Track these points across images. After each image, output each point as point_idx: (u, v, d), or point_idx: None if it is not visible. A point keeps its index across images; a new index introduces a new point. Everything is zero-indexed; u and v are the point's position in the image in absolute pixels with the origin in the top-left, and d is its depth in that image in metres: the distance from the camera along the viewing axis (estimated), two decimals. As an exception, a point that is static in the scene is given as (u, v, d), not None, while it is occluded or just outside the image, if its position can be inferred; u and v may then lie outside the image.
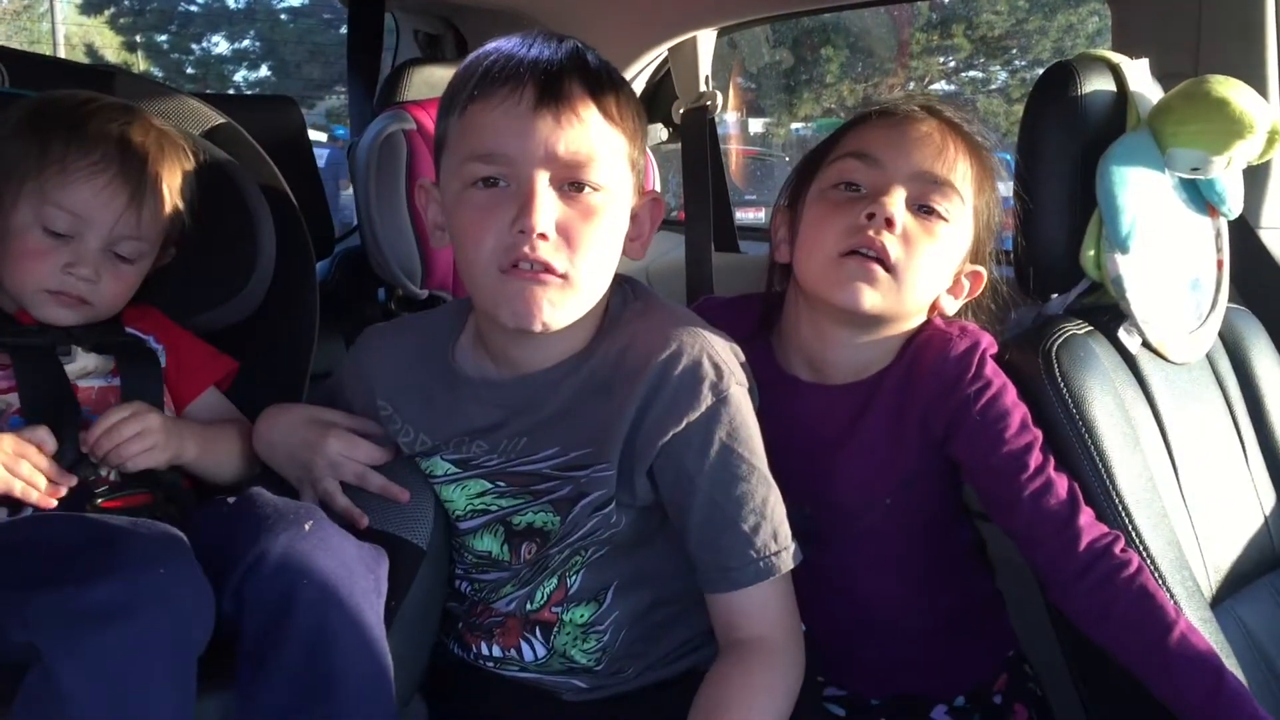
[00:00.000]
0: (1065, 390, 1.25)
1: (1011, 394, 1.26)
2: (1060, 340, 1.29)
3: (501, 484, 1.20)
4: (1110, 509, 1.23)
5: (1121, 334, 1.35)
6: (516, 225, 1.08)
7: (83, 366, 1.32)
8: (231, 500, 1.21)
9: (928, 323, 1.32)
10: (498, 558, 1.23)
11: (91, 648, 0.96)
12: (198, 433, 1.34)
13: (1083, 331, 1.32)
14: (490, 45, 1.14)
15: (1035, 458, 1.22)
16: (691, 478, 1.13)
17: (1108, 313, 1.37)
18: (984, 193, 1.30)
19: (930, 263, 1.25)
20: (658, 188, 2.05)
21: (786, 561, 1.15)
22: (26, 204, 1.29)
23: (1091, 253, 1.34)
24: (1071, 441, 1.24)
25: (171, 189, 1.36)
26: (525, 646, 1.24)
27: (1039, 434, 1.24)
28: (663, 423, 1.12)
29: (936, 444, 1.27)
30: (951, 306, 1.33)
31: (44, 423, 1.23)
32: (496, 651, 1.25)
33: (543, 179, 1.08)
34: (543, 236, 1.08)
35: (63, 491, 1.21)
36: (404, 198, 1.96)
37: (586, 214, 1.11)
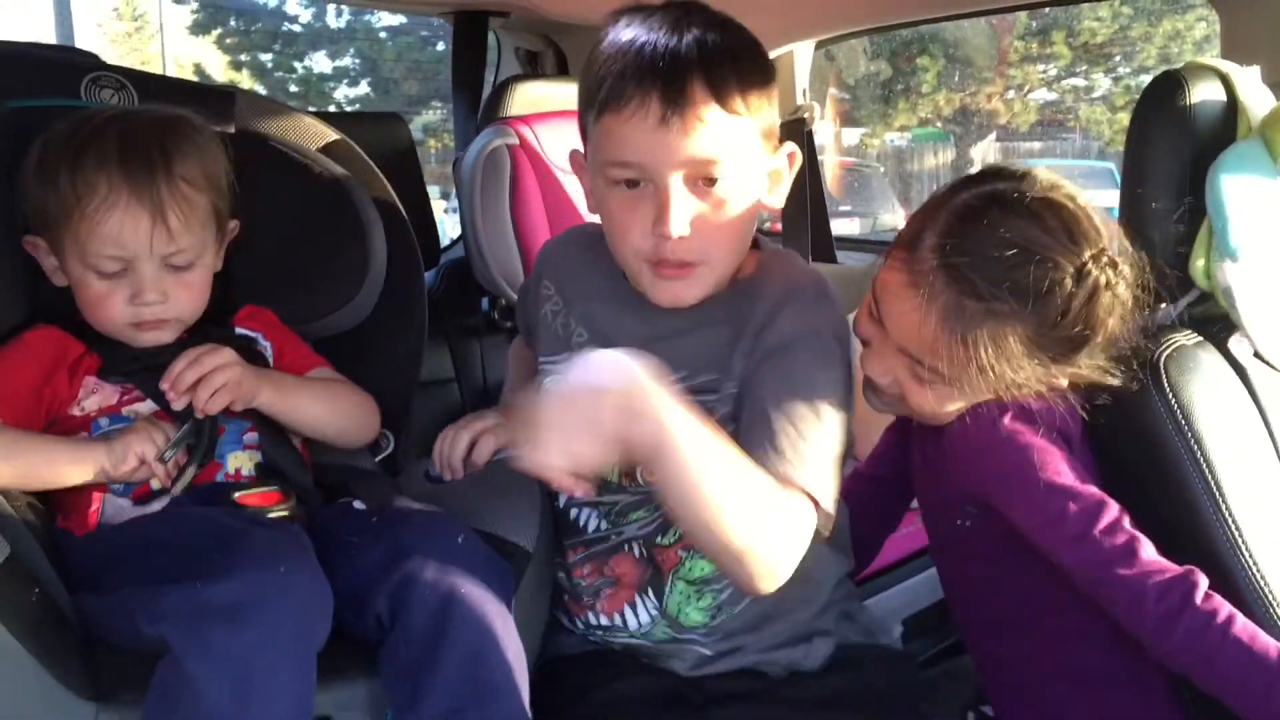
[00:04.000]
0: (1174, 402, 1.24)
1: (1024, 458, 1.20)
2: (1169, 351, 1.27)
3: None
4: (1220, 524, 1.21)
5: (1232, 345, 1.33)
6: (656, 229, 1.19)
7: None
8: (359, 506, 1.28)
9: None
10: (609, 479, 1.28)
11: (217, 642, 1.01)
12: (274, 380, 1.37)
13: (1192, 342, 1.30)
14: (616, 37, 1.21)
15: (1072, 525, 1.17)
16: (762, 380, 1.20)
17: (1218, 323, 1.35)
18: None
19: None
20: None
21: (822, 496, 1.14)
22: (73, 256, 1.32)
23: (1201, 262, 1.32)
24: (1180, 455, 1.23)
25: (191, 179, 1.34)
26: (630, 612, 1.28)
27: (1076, 491, 1.18)
28: (763, 346, 1.22)
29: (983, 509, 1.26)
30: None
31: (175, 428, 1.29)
32: (604, 620, 1.30)
33: (676, 181, 1.18)
34: (678, 238, 1.19)
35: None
36: (508, 210, 2.00)
37: (718, 206, 1.20)
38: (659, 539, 1.27)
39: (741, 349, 1.23)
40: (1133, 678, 1.27)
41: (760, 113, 1.21)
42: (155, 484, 1.29)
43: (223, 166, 1.41)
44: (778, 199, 1.28)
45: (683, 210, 1.18)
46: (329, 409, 1.42)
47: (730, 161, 1.19)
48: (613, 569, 1.30)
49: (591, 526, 1.31)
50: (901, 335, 1.23)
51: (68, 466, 1.24)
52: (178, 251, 1.33)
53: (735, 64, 1.18)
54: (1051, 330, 1.17)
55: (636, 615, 1.29)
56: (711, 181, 1.19)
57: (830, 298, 1.26)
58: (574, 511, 1.32)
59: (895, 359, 1.25)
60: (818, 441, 1.15)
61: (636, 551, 1.29)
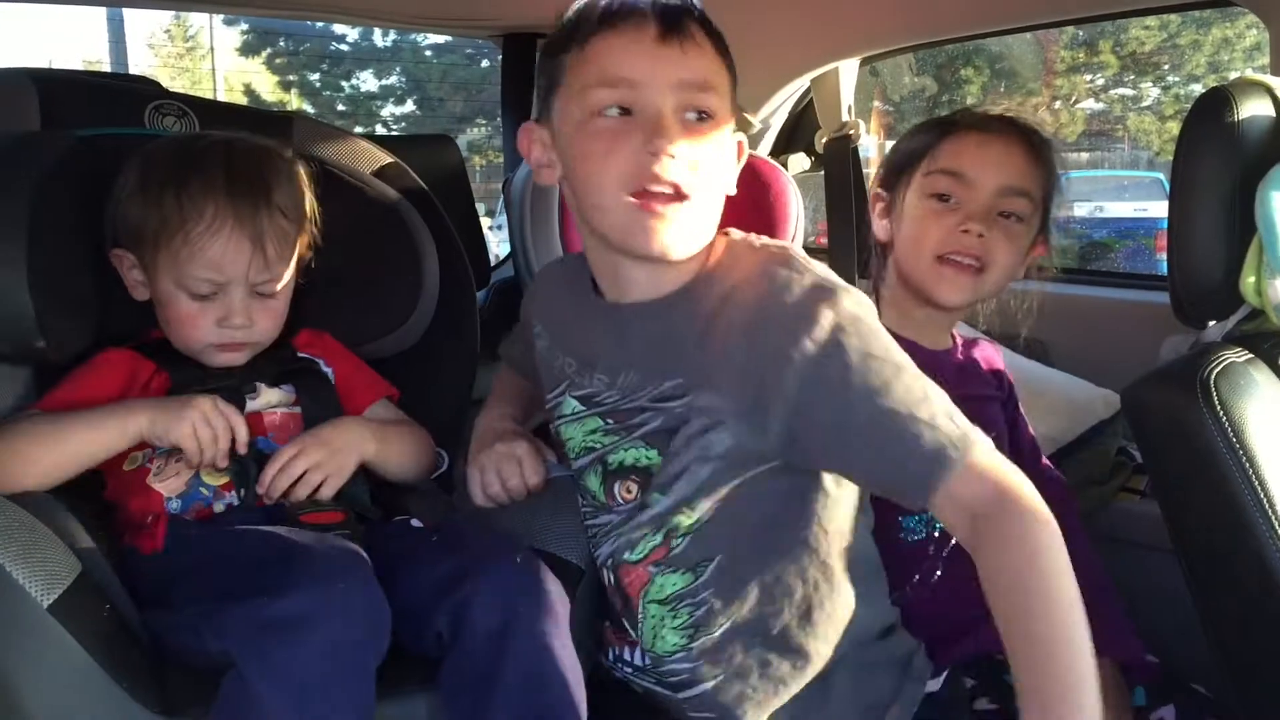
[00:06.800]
0: (1224, 419, 1.23)
1: None
2: (1219, 368, 1.27)
3: (610, 421, 1.21)
4: (1273, 540, 1.20)
5: (1284, 361, 1.32)
6: (648, 147, 1.10)
7: (267, 400, 1.41)
8: (417, 524, 1.32)
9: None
10: (598, 498, 1.25)
11: (278, 656, 1.03)
12: (375, 431, 1.42)
13: (1242, 359, 1.30)
14: None
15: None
16: (845, 400, 1.06)
17: (1269, 340, 1.34)
18: (1050, 182, 1.52)
19: (1011, 259, 1.50)
20: (800, 213, 2.08)
21: (978, 435, 1.07)
22: (166, 274, 1.36)
23: (1251, 279, 1.32)
24: (1231, 472, 1.22)
25: (286, 210, 1.40)
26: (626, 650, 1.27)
27: None
28: (784, 354, 1.08)
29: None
30: (1021, 273, 1.56)
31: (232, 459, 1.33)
32: (626, 654, 1.29)
33: (669, 104, 1.12)
34: (671, 156, 1.11)
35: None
36: (557, 231, 2.02)
37: (709, 143, 1.14)
38: (626, 555, 1.22)
39: (728, 363, 1.12)
40: None
41: (733, 76, 1.19)
42: (219, 508, 1.33)
43: (309, 201, 1.46)
44: (732, 186, 1.23)
45: (676, 129, 1.11)
46: (412, 460, 1.47)
47: (719, 101, 1.15)
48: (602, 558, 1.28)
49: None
50: (1004, 173, 1.47)
51: (100, 429, 1.29)
52: (269, 280, 1.38)
53: (714, 24, 1.19)
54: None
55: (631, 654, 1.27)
56: (700, 115, 1.14)
57: (811, 265, 1.17)
58: None
59: (990, 205, 1.47)
60: (940, 397, 1.09)
61: (607, 578, 1.27)
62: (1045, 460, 1.64)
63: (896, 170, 1.58)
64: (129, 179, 1.38)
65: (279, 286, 1.41)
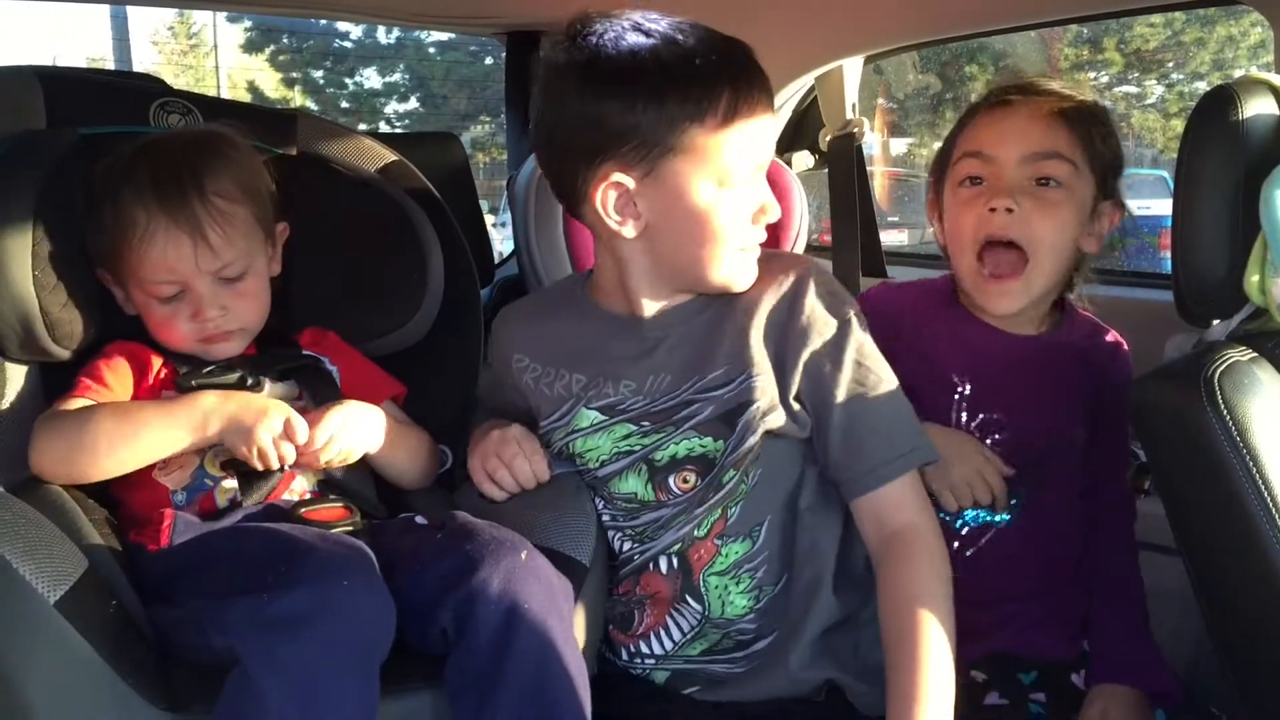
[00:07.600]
0: (1228, 418, 1.23)
1: None
2: (1223, 367, 1.26)
3: (646, 424, 1.30)
4: (1276, 540, 1.20)
5: (1288, 360, 1.32)
6: (768, 218, 1.29)
7: (270, 395, 1.40)
8: (421, 520, 1.31)
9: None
10: (643, 498, 1.31)
11: (282, 653, 1.04)
12: (388, 428, 1.41)
13: (1246, 358, 1.29)
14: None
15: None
16: (832, 393, 1.27)
17: (1273, 339, 1.34)
18: (1095, 140, 1.46)
19: (1053, 230, 1.44)
20: (804, 211, 2.09)
21: (925, 454, 1.29)
22: (133, 286, 1.38)
23: (1256, 278, 1.32)
24: (1235, 471, 1.22)
25: (225, 193, 1.38)
26: (673, 621, 1.30)
27: None
28: (801, 343, 1.27)
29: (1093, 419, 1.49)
30: (1093, 245, 1.50)
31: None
32: (643, 646, 1.32)
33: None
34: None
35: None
36: (561, 229, 2.03)
37: None
38: (696, 532, 1.29)
39: (759, 345, 1.27)
40: None
41: None
42: (221, 502, 1.33)
43: (259, 175, 1.45)
44: None
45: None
46: (417, 465, 1.48)
47: None
48: (644, 587, 1.32)
49: (619, 549, 1.34)
50: (1025, 141, 1.44)
51: (178, 429, 1.30)
52: (225, 265, 1.38)
53: None
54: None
55: (678, 625, 1.30)
56: None
57: (829, 276, 1.34)
58: (607, 535, 1.34)
59: (1018, 176, 1.44)
60: (907, 412, 1.30)
61: (664, 564, 1.31)
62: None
63: (939, 169, 1.57)
64: (80, 204, 1.39)
65: (243, 269, 1.40)
